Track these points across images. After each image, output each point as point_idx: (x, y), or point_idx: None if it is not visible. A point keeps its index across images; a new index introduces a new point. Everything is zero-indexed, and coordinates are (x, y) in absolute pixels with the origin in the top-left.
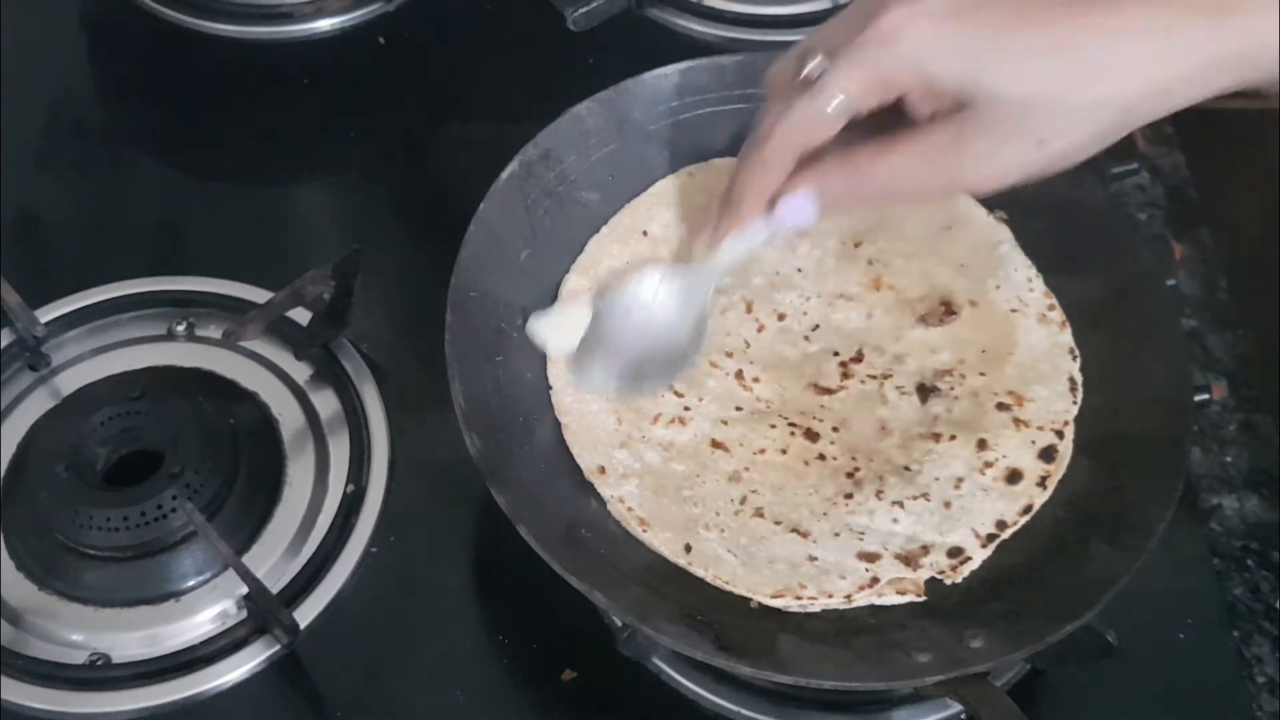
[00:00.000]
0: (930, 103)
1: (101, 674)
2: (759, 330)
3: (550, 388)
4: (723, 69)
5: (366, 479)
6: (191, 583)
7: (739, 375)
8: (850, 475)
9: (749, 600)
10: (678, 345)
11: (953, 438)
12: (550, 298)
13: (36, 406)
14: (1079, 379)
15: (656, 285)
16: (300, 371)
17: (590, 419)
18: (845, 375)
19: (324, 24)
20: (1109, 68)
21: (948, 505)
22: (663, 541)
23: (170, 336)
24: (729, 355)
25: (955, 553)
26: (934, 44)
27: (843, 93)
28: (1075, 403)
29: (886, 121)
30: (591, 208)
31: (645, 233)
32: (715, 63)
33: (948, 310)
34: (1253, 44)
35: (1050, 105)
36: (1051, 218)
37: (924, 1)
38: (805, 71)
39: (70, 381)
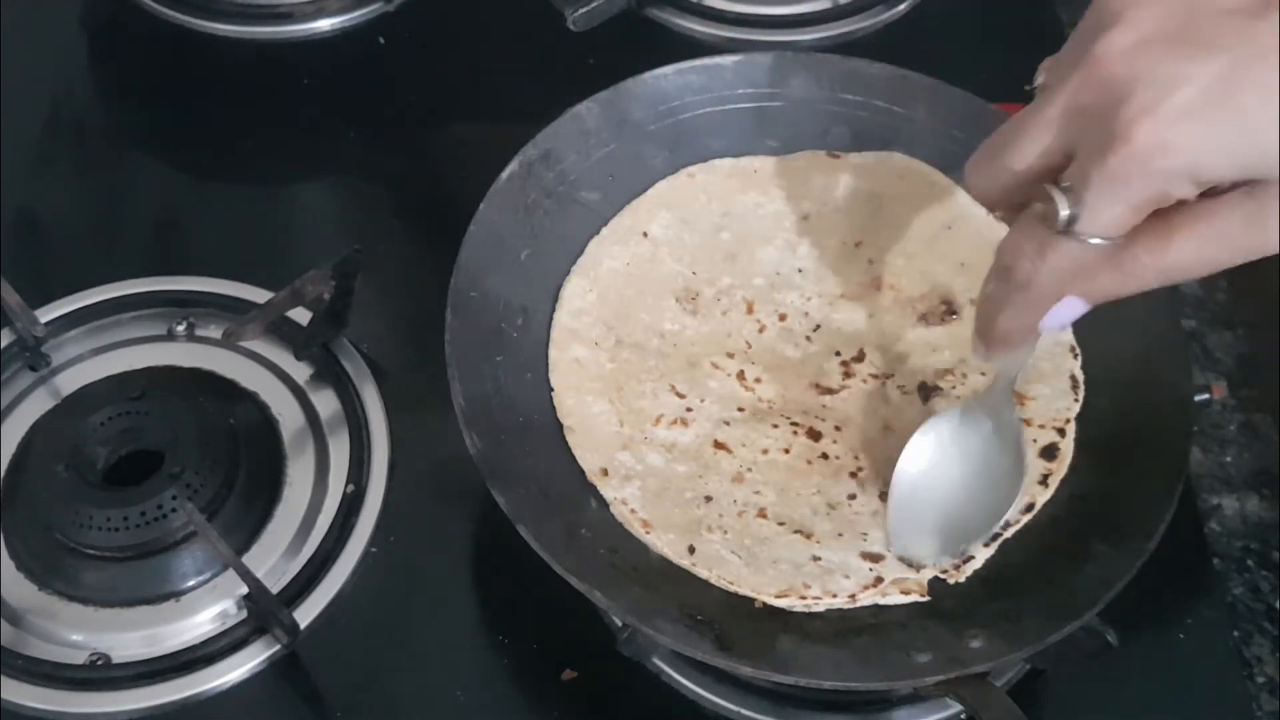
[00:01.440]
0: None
1: (101, 674)
2: (760, 331)
3: (551, 389)
4: (723, 69)
5: (366, 479)
6: (191, 583)
7: (740, 376)
8: (854, 475)
9: (749, 600)
10: (999, 478)
11: None
12: (550, 298)
13: (36, 406)
14: (1080, 376)
15: (951, 432)
16: (300, 371)
17: (592, 421)
18: (847, 375)
19: (324, 24)
20: None
21: None
22: (666, 543)
23: (170, 336)
24: (730, 356)
25: None
26: (1206, 147)
27: (1109, 232)
28: (1077, 400)
29: None
30: (591, 208)
31: (645, 234)
32: (715, 63)
33: (948, 309)
34: None
35: None
36: None
37: (1166, 100)
38: (1057, 219)
39: (70, 381)
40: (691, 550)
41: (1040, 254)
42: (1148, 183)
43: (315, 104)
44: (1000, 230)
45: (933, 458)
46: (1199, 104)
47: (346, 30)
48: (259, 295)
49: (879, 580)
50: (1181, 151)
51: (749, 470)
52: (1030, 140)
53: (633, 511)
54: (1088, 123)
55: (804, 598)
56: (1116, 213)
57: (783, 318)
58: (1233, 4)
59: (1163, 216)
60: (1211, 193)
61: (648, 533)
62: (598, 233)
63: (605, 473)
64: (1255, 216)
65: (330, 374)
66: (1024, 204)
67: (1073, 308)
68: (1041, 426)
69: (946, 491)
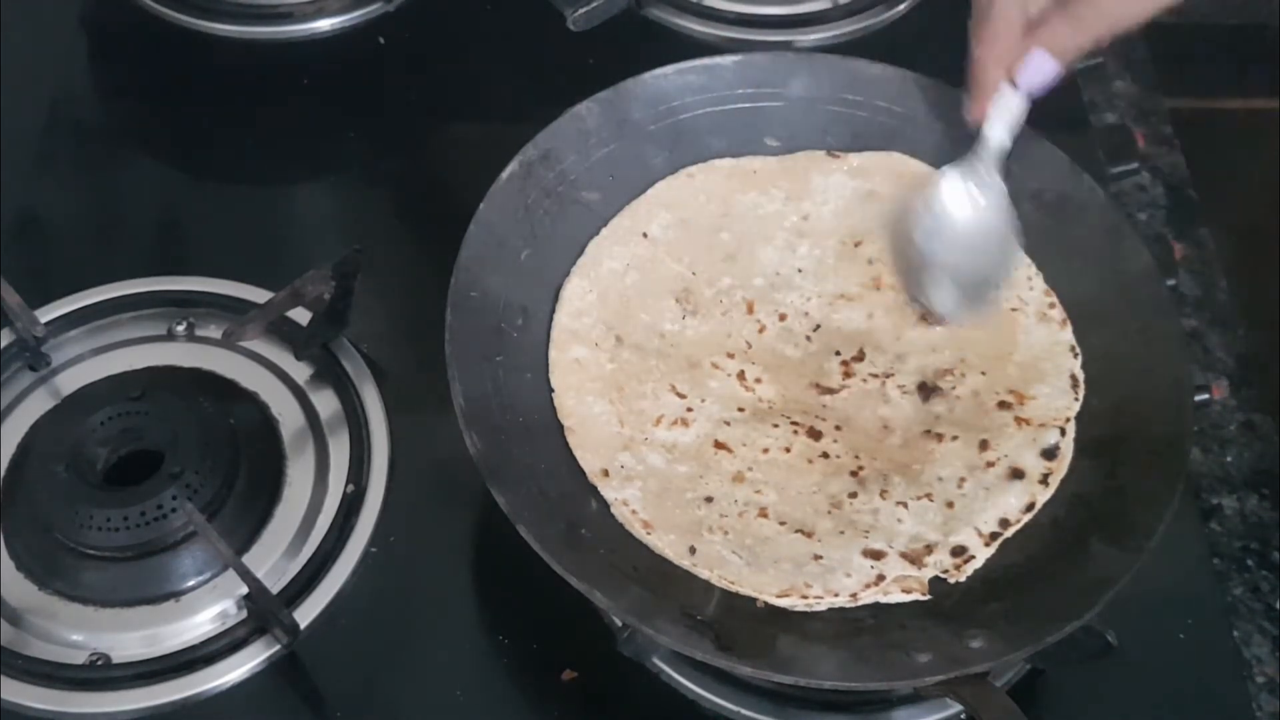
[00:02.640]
0: None
1: (101, 674)
2: (760, 331)
3: (551, 389)
4: (723, 69)
5: (366, 479)
6: (191, 583)
7: (740, 376)
8: (854, 474)
9: (750, 600)
10: (998, 244)
11: (955, 438)
12: (550, 298)
13: (36, 406)
14: (1080, 376)
15: (955, 195)
16: (300, 371)
17: (593, 421)
18: (847, 375)
19: (324, 24)
20: None
21: (950, 505)
22: (667, 544)
23: (170, 336)
24: (730, 356)
25: (959, 551)
26: None
27: None
28: (1077, 400)
29: None
30: (591, 208)
31: (645, 234)
32: (715, 63)
33: None
34: None
35: None
36: (1051, 217)
37: None
38: None
39: (70, 381)
40: (692, 550)
41: None
42: None
43: (315, 104)
44: None
45: (943, 219)
46: None
47: (346, 30)
48: (259, 295)
49: (880, 578)
50: None
51: (749, 470)
52: None
53: (633, 512)
54: None
55: (805, 597)
56: None
57: (783, 318)
58: None
59: None
60: None
61: (648, 533)
62: (598, 233)
63: (606, 473)
64: None
65: (330, 374)
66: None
67: (1043, 64)
68: (1042, 426)
69: (959, 250)
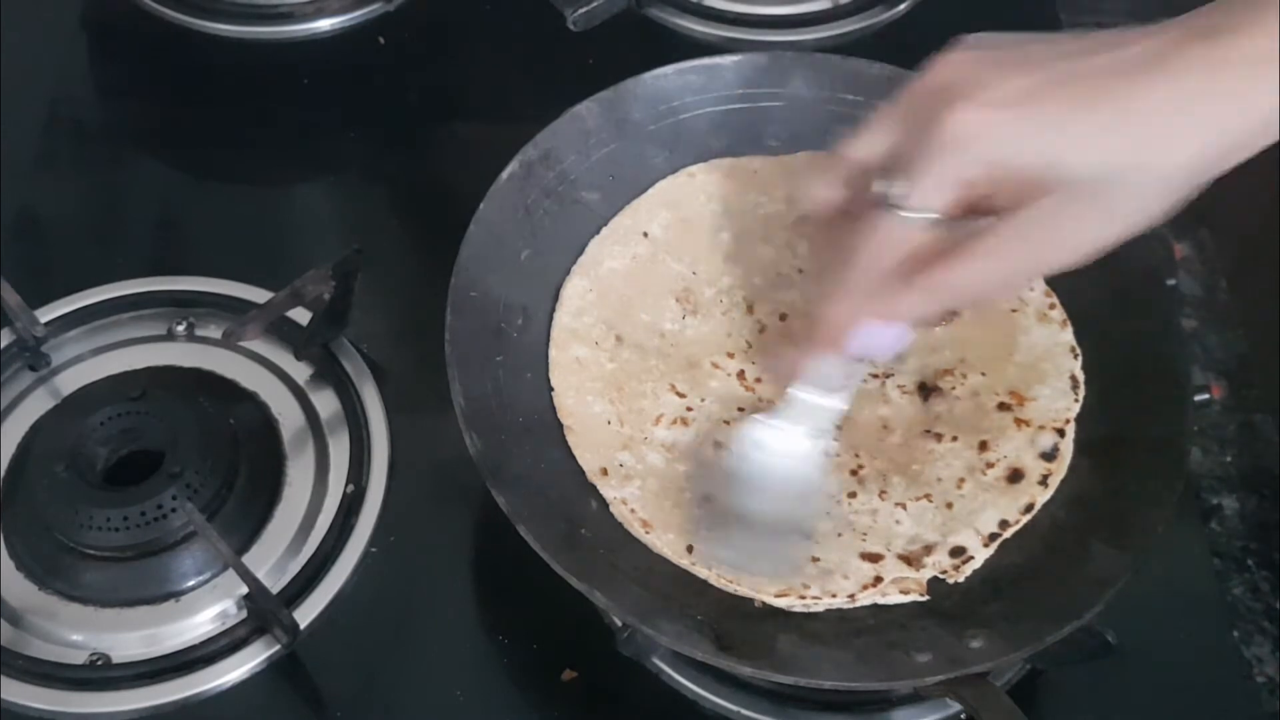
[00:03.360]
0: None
1: (101, 674)
2: (760, 331)
3: (551, 389)
4: (723, 69)
5: (366, 479)
6: (191, 583)
7: (740, 375)
8: (853, 473)
9: (749, 600)
10: (797, 507)
11: (954, 438)
12: (551, 298)
13: (36, 406)
14: (1080, 377)
15: (758, 444)
16: (300, 371)
17: (592, 420)
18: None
19: (324, 24)
20: (1176, 134)
21: (949, 505)
22: (665, 543)
23: (170, 336)
24: (730, 356)
25: (958, 552)
26: (1009, 138)
27: (930, 208)
28: (1077, 401)
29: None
30: (591, 208)
31: (646, 234)
32: (715, 63)
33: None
34: None
35: (1124, 178)
36: None
37: (982, 96)
38: (886, 192)
39: (70, 381)
40: (690, 550)
41: (873, 230)
42: (963, 164)
43: (315, 104)
44: None
45: (745, 471)
46: (1009, 102)
47: (346, 30)
48: (259, 295)
49: (878, 580)
50: (990, 138)
51: None
52: (872, 134)
53: (632, 511)
54: (918, 116)
55: (803, 597)
56: (940, 187)
57: (783, 317)
58: (1057, 50)
59: (957, 240)
60: None
61: (647, 533)
62: (598, 233)
63: (605, 472)
64: (1029, 231)
65: (330, 374)
66: (849, 200)
67: (881, 333)
68: (1042, 427)
69: (756, 509)
